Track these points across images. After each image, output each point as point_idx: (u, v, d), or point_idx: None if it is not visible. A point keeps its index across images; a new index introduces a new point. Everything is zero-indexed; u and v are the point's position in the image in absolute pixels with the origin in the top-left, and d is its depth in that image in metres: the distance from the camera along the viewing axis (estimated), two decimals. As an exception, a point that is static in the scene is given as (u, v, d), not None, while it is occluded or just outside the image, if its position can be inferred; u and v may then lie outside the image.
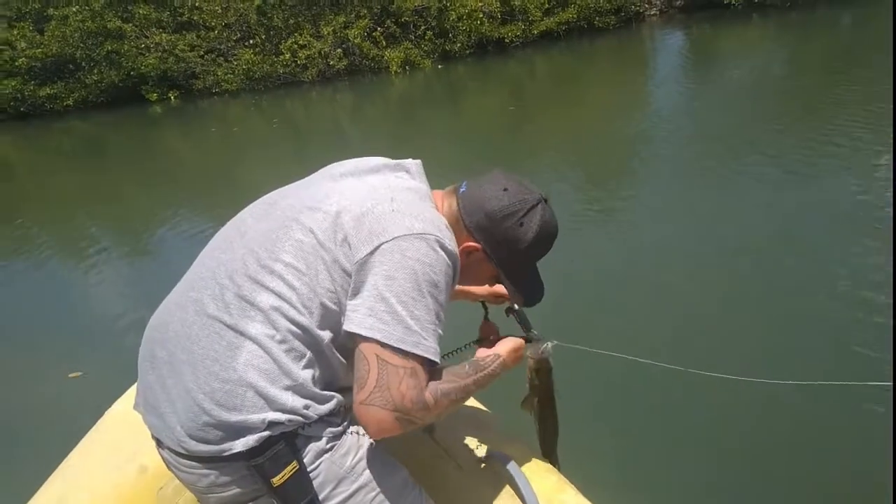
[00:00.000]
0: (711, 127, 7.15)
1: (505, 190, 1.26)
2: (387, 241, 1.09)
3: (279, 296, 1.09)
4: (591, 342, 1.43)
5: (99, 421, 1.70)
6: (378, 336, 1.05)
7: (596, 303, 3.65)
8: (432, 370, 1.12)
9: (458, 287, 1.32)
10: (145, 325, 1.24)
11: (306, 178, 1.31)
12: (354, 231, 1.11)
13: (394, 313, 1.06)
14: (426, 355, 1.08)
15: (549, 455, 1.55)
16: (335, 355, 1.15)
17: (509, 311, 1.49)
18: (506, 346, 1.31)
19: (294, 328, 1.09)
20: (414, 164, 1.30)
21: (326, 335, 1.12)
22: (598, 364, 2.64)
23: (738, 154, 5.83)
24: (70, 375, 3.72)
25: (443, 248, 1.14)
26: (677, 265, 3.99)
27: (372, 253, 1.09)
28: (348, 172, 1.27)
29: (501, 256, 1.28)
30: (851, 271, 3.46)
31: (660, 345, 3.03)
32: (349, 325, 1.08)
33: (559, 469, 1.55)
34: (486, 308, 1.54)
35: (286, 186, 1.30)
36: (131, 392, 1.66)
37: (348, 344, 1.13)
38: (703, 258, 4.04)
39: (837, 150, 5.44)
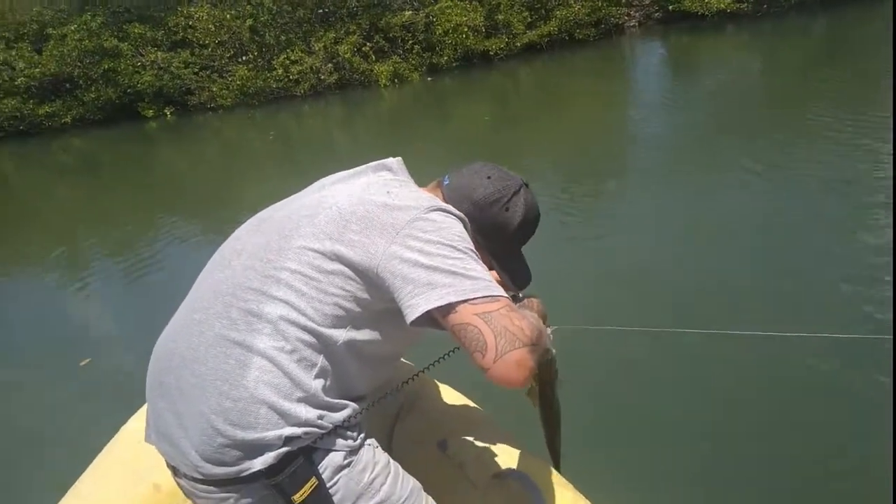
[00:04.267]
0: (691, 128, 7.28)
1: (488, 178, 1.27)
2: (404, 227, 1.06)
3: (287, 303, 1.05)
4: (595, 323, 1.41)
5: (112, 440, 1.65)
6: (455, 297, 1.00)
7: (589, 290, 3.70)
8: None
9: None
10: (147, 343, 1.19)
11: (296, 194, 1.28)
12: (366, 229, 1.07)
13: (451, 274, 1.02)
14: (502, 293, 1.05)
15: (553, 447, 1.50)
16: (349, 357, 1.11)
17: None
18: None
19: (304, 335, 1.04)
20: (395, 161, 1.28)
21: (341, 335, 1.07)
22: (605, 349, 2.75)
23: (718, 153, 5.95)
24: (81, 363, 3.85)
25: (453, 213, 1.14)
26: (663, 252, 4.09)
27: (393, 242, 1.04)
28: (336, 180, 1.25)
29: (491, 243, 1.26)
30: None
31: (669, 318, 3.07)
32: (419, 309, 1.01)
33: (560, 469, 1.51)
34: None
35: (277, 203, 1.27)
36: (143, 411, 1.62)
37: (364, 343, 1.10)
38: (689, 245, 4.15)
39: (819, 136, 5.66)
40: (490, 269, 1.32)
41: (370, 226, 1.07)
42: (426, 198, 1.16)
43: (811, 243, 3.79)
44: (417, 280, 1.02)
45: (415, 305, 1.01)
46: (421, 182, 1.33)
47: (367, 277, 1.07)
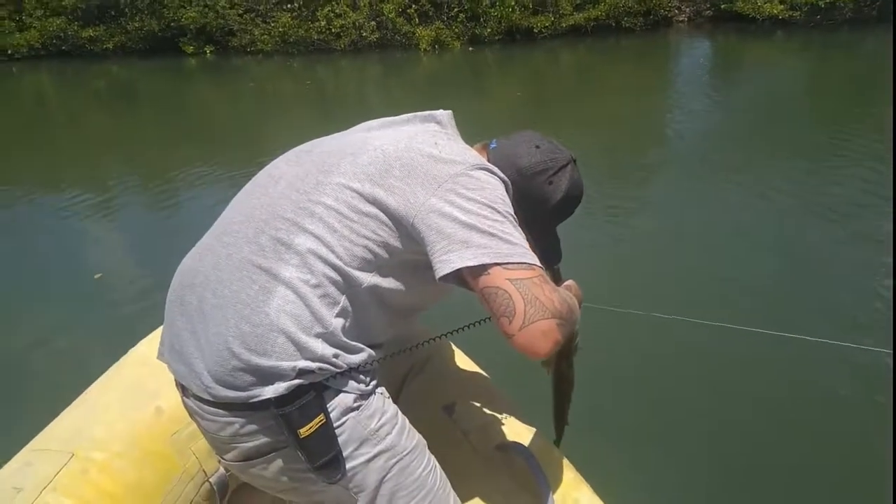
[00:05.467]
0: (725, 130, 7.15)
1: (537, 147, 1.23)
2: (447, 181, 1.04)
3: (318, 238, 1.02)
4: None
5: (120, 359, 1.64)
6: (489, 259, 0.98)
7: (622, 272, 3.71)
8: None
9: None
10: (168, 271, 1.16)
11: (340, 132, 1.24)
12: (409, 177, 1.05)
13: (489, 235, 1.00)
14: (538, 262, 1.03)
15: (559, 417, 1.47)
16: (372, 302, 1.08)
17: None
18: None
19: (331, 272, 1.01)
20: (445, 114, 1.24)
21: (366, 279, 1.04)
22: (621, 334, 2.73)
23: (752, 154, 5.88)
24: (96, 276, 3.98)
25: (494, 173, 1.11)
26: (694, 240, 4.12)
27: (434, 195, 1.01)
28: (382, 125, 1.22)
29: (528, 214, 1.21)
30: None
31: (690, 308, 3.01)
32: (451, 265, 0.99)
33: (560, 444, 1.49)
34: None
35: (319, 138, 1.23)
36: (155, 335, 1.59)
37: (388, 292, 1.08)
38: (717, 236, 4.16)
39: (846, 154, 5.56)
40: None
41: (413, 174, 1.05)
42: (472, 155, 1.13)
43: (838, 252, 3.77)
44: (453, 236, 1.00)
45: (447, 261, 0.99)
46: (468, 141, 1.28)
47: (402, 226, 1.04)
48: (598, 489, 1.37)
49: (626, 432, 2.39)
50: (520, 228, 1.06)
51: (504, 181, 1.12)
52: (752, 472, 2.20)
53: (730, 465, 2.26)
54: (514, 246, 1.01)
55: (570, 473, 1.39)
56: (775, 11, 14.61)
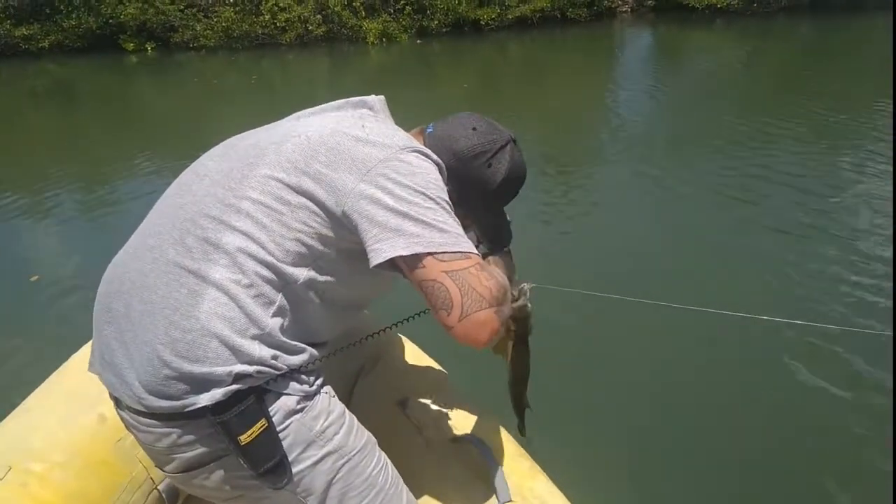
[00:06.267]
0: (669, 115, 7.32)
1: (474, 129, 1.18)
2: (375, 165, 0.99)
3: (247, 235, 0.96)
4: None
5: (60, 367, 1.56)
6: (422, 248, 0.95)
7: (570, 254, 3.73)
8: None
9: None
10: (102, 269, 1.09)
11: (269, 124, 1.18)
12: (335, 162, 1.00)
13: (421, 223, 0.96)
14: (474, 250, 1.00)
15: (517, 401, 1.43)
16: (310, 298, 1.02)
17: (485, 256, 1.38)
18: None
19: (263, 271, 0.96)
20: (377, 99, 1.18)
21: (301, 274, 0.99)
22: (574, 315, 2.73)
23: (690, 138, 6.08)
24: (32, 279, 3.81)
25: (428, 156, 1.06)
26: (637, 222, 4.17)
27: (363, 180, 0.97)
28: (312, 113, 1.17)
29: (469, 198, 1.18)
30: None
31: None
32: (383, 255, 0.95)
33: (524, 424, 1.46)
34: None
35: (247, 131, 1.16)
36: (93, 340, 1.51)
37: (327, 286, 1.03)
38: (670, 216, 4.22)
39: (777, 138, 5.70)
40: (466, 224, 1.25)
41: (339, 159, 1.00)
42: (402, 136, 1.08)
43: (792, 230, 3.83)
44: (385, 224, 0.96)
45: (379, 250, 0.96)
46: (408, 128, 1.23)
47: (333, 215, 0.99)
48: (554, 478, 1.34)
49: (582, 420, 2.37)
50: (454, 214, 1.02)
51: (437, 164, 1.07)
52: (711, 458, 2.20)
53: (689, 449, 2.25)
54: (447, 234, 0.97)
55: (525, 463, 1.36)
56: (714, 0, 14.94)
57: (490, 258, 1.25)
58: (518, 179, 1.24)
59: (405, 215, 0.96)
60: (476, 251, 1.00)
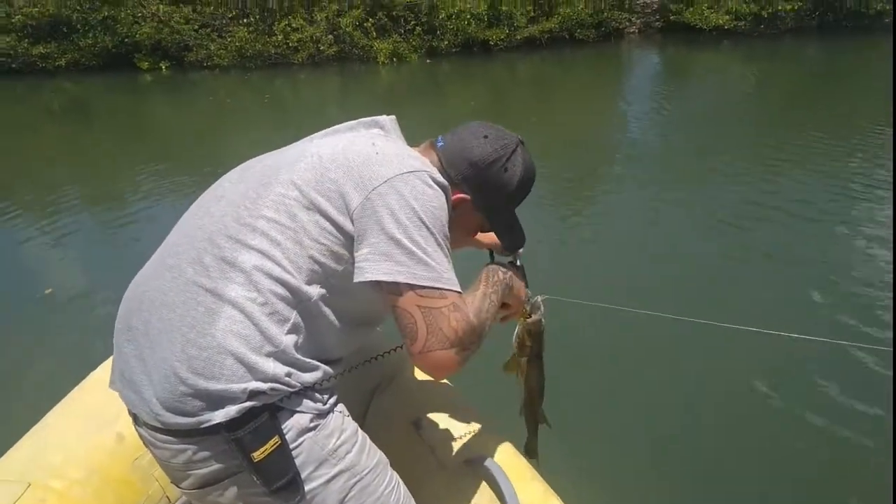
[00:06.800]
0: (677, 134, 7.37)
1: (485, 137, 1.22)
2: (381, 185, 1.02)
3: (262, 253, 0.98)
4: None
5: (79, 385, 1.57)
6: (403, 279, 0.99)
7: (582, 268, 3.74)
8: None
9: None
10: (121, 287, 1.11)
11: (287, 146, 1.21)
12: (344, 179, 1.03)
13: (409, 253, 1.00)
14: (454, 288, 1.03)
15: (531, 419, 1.43)
16: (324, 315, 1.04)
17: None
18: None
19: (278, 288, 0.98)
20: (388, 119, 1.21)
21: (315, 291, 1.01)
22: (586, 330, 2.70)
23: (700, 158, 6.08)
24: (46, 291, 3.85)
25: (436, 181, 1.08)
26: (647, 239, 4.18)
27: (368, 198, 1.00)
28: (325, 134, 1.20)
29: (489, 204, 1.23)
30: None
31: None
32: (365, 275, 1.00)
33: (536, 442, 1.46)
34: (492, 256, 1.45)
35: (263, 154, 1.20)
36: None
37: (340, 303, 1.04)
38: (683, 234, 4.23)
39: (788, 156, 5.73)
40: (487, 230, 1.31)
41: (348, 176, 1.03)
42: (412, 157, 1.11)
43: (799, 245, 3.85)
44: (376, 245, 1.00)
45: (363, 269, 1.00)
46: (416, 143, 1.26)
47: (343, 230, 1.02)
48: (568, 502, 1.32)
49: (596, 442, 2.34)
50: (446, 246, 1.06)
51: (444, 188, 1.09)
52: (727, 477, 2.18)
53: (706, 468, 2.23)
54: (431, 268, 1.00)
55: (539, 486, 1.34)
56: (721, 21, 15.03)
57: (510, 273, 1.25)
58: (531, 179, 1.27)
59: (397, 242, 0.99)
60: (456, 288, 1.03)
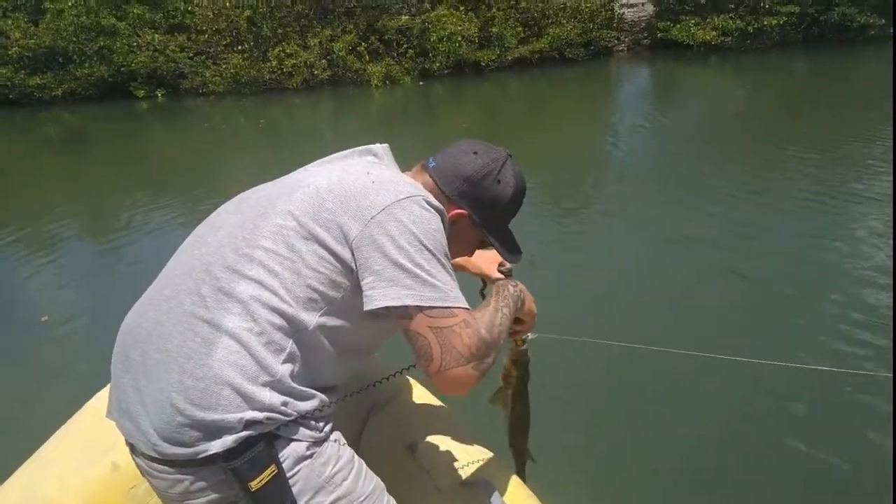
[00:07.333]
0: (667, 150, 7.36)
1: (475, 153, 1.23)
2: (378, 213, 1.02)
3: (260, 283, 0.98)
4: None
5: (75, 415, 1.56)
6: (411, 301, 0.99)
7: (572, 301, 3.57)
8: None
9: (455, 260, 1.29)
10: (118, 317, 1.11)
11: (283, 176, 1.22)
12: (341, 210, 1.03)
13: (415, 276, 1.00)
14: (462, 305, 1.03)
15: (518, 452, 1.44)
16: (321, 344, 1.04)
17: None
18: None
19: (274, 318, 0.98)
20: (381, 147, 1.23)
21: (312, 320, 1.01)
22: (576, 362, 2.67)
23: (691, 175, 6.05)
24: (42, 319, 3.82)
25: (431, 205, 1.09)
26: (641, 263, 4.05)
27: (367, 227, 1.02)
28: (321, 163, 1.21)
29: (486, 217, 1.23)
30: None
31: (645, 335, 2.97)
32: (374, 303, 0.99)
33: (525, 474, 1.45)
34: (484, 284, 1.47)
35: (260, 185, 1.21)
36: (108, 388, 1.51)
37: (336, 332, 1.04)
38: (668, 258, 4.12)
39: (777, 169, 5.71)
40: (486, 246, 1.32)
41: (345, 206, 1.03)
42: (407, 184, 1.11)
43: (789, 267, 3.77)
44: (381, 273, 1.00)
45: (371, 297, 1.00)
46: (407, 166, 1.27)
47: (341, 259, 1.02)
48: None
49: (591, 468, 2.32)
50: (449, 266, 1.06)
51: (439, 211, 1.10)
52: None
53: (696, 491, 2.21)
54: (437, 289, 1.00)
55: (536, 508, 1.33)
56: (708, 37, 15.21)
57: (521, 287, 1.26)
58: (523, 190, 1.29)
59: (401, 267, 0.99)
60: (464, 305, 1.03)
